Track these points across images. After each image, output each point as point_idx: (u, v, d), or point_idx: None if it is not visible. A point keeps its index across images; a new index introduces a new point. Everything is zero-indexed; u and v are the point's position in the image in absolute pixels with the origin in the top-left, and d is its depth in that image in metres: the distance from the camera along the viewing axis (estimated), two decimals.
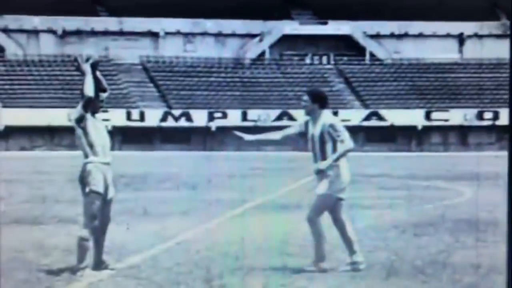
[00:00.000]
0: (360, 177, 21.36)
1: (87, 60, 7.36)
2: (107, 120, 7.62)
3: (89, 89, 7.24)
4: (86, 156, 7.28)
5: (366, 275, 7.40)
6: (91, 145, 7.24)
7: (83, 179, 7.26)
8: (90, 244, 7.24)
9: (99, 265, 7.35)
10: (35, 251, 8.39)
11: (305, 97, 7.57)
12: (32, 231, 10.13)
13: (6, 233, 9.95)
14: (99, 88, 7.35)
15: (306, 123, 7.60)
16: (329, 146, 7.41)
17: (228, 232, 10.10)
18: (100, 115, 7.41)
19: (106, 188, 7.26)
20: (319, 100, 7.51)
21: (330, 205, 7.49)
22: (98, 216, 7.22)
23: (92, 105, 7.25)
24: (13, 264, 7.80)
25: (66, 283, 6.99)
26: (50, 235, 9.08)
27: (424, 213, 12.51)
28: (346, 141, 7.39)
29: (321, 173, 7.46)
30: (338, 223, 7.55)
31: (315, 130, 7.46)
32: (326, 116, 7.49)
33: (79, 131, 7.28)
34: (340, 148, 7.39)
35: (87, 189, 7.22)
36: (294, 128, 7.79)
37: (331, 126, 7.41)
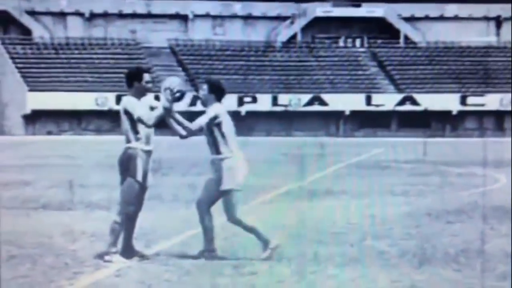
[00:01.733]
0: (393, 164, 21.18)
1: (175, 93, 7.06)
2: None
3: (153, 119, 7.08)
4: (128, 141, 7.21)
5: (398, 263, 7.27)
6: (136, 131, 7.17)
7: (123, 163, 7.21)
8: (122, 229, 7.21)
9: (128, 251, 7.30)
10: (62, 236, 8.38)
11: (204, 86, 7.46)
12: (59, 216, 10.14)
13: (34, 218, 9.99)
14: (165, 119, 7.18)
15: None
16: (218, 137, 7.30)
17: (258, 218, 10.02)
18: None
19: (145, 176, 7.21)
20: (216, 91, 7.42)
21: (236, 198, 7.37)
22: (134, 202, 7.18)
23: (143, 125, 7.14)
24: (41, 249, 7.80)
25: (94, 269, 6.96)
26: (77, 221, 9.09)
27: (458, 200, 12.33)
28: (197, 121, 7.25)
29: (214, 165, 7.33)
30: (208, 215, 7.51)
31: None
32: (215, 107, 7.36)
33: (124, 117, 7.21)
34: (189, 123, 7.25)
35: (126, 175, 7.18)
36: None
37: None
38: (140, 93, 7.25)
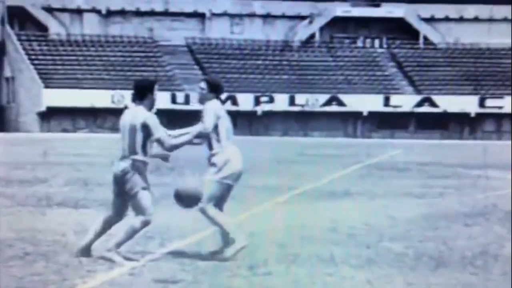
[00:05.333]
0: (411, 165, 21.06)
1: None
2: None
3: (172, 146, 7.18)
4: (134, 153, 7.08)
5: (415, 266, 7.20)
6: (145, 146, 7.11)
7: (123, 179, 7.23)
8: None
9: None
10: (77, 235, 8.36)
11: (202, 84, 7.37)
12: (74, 214, 10.14)
13: (48, 216, 9.99)
14: None
15: None
16: (212, 134, 7.25)
17: (274, 218, 9.98)
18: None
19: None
20: (217, 90, 7.38)
21: (220, 192, 7.27)
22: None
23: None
24: (55, 247, 7.79)
25: (107, 267, 6.93)
26: (92, 219, 9.06)
27: (476, 203, 12.22)
28: (205, 123, 7.22)
29: (210, 159, 7.27)
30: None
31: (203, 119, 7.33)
32: (215, 106, 7.31)
33: (139, 131, 7.07)
34: (197, 127, 7.20)
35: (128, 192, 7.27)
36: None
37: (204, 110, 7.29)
38: (151, 105, 7.20)
